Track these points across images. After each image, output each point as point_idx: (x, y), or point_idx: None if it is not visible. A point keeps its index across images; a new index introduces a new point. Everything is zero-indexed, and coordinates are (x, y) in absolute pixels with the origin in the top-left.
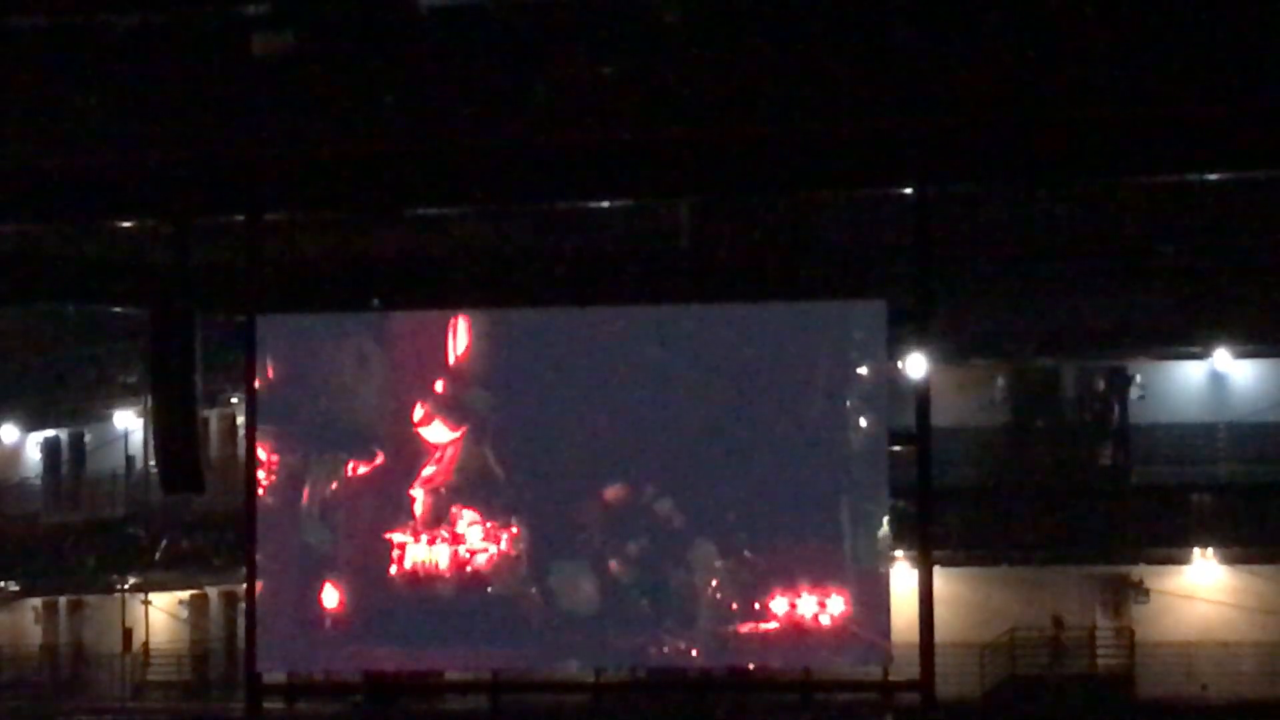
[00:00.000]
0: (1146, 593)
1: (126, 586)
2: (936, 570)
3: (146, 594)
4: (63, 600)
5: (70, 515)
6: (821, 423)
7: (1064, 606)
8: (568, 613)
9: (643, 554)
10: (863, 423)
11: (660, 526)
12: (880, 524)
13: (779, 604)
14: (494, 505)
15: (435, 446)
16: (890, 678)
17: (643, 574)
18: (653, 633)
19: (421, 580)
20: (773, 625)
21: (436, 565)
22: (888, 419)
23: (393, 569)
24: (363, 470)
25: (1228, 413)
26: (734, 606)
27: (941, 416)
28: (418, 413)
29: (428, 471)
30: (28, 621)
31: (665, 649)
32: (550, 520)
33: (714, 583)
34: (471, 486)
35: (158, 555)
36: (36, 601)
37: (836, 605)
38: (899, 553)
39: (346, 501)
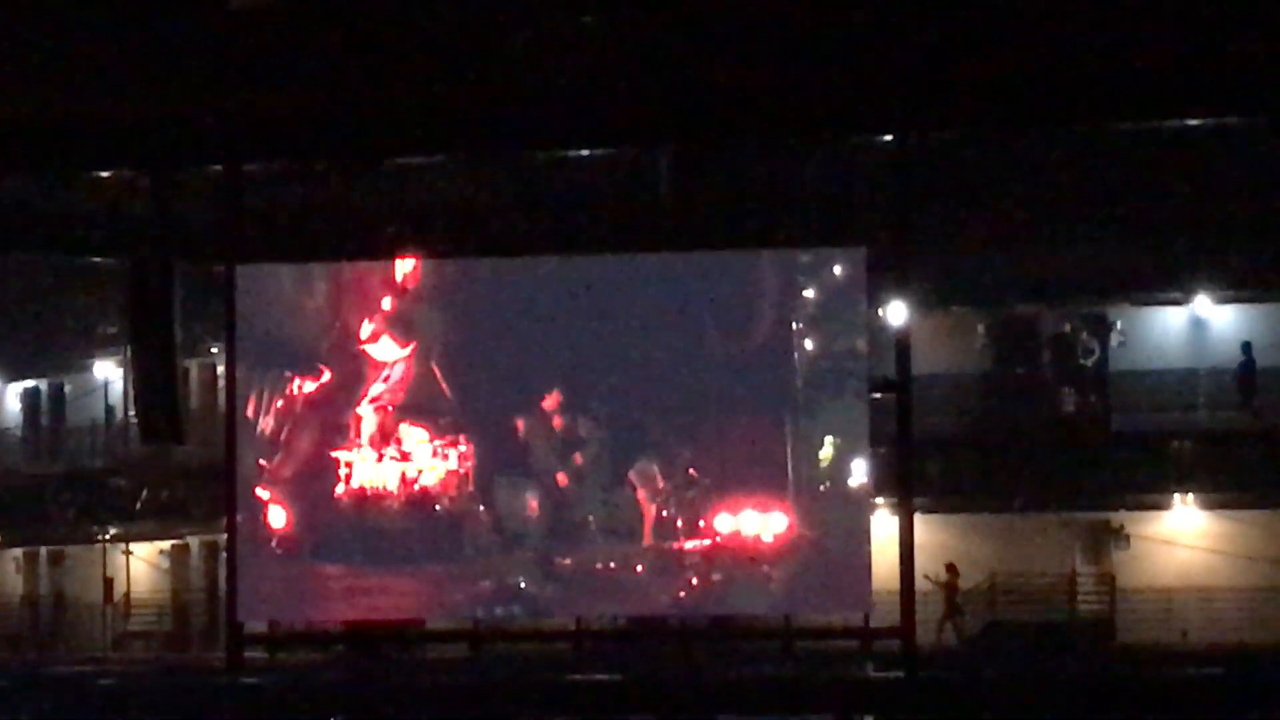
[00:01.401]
0: (1127, 539)
1: (107, 537)
2: (917, 518)
3: (127, 544)
4: (44, 551)
5: (51, 466)
6: (798, 369)
7: (1044, 553)
8: (515, 530)
9: (589, 471)
10: (842, 370)
11: (606, 444)
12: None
13: (723, 521)
14: (442, 423)
15: (382, 364)
16: (871, 625)
17: (588, 491)
18: (598, 547)
19: (369, 499)
20: (716, 541)
21: (385, 484)
22: (868, 367)
23: (340, 487)
24: (310, 389)
25: (1208, 359)
26: (679, 523)
27: (922, 364)
28: (365, 329)
29: (375, 389)
30: (9, 572)
31: (611, 564)
32: (498, 438)
33: (659, 500)
34: (419, 404)
35: (139, 505)
36: (17, 552)
37: (779, 523)
38: (879, 500)
39: (302, 425)
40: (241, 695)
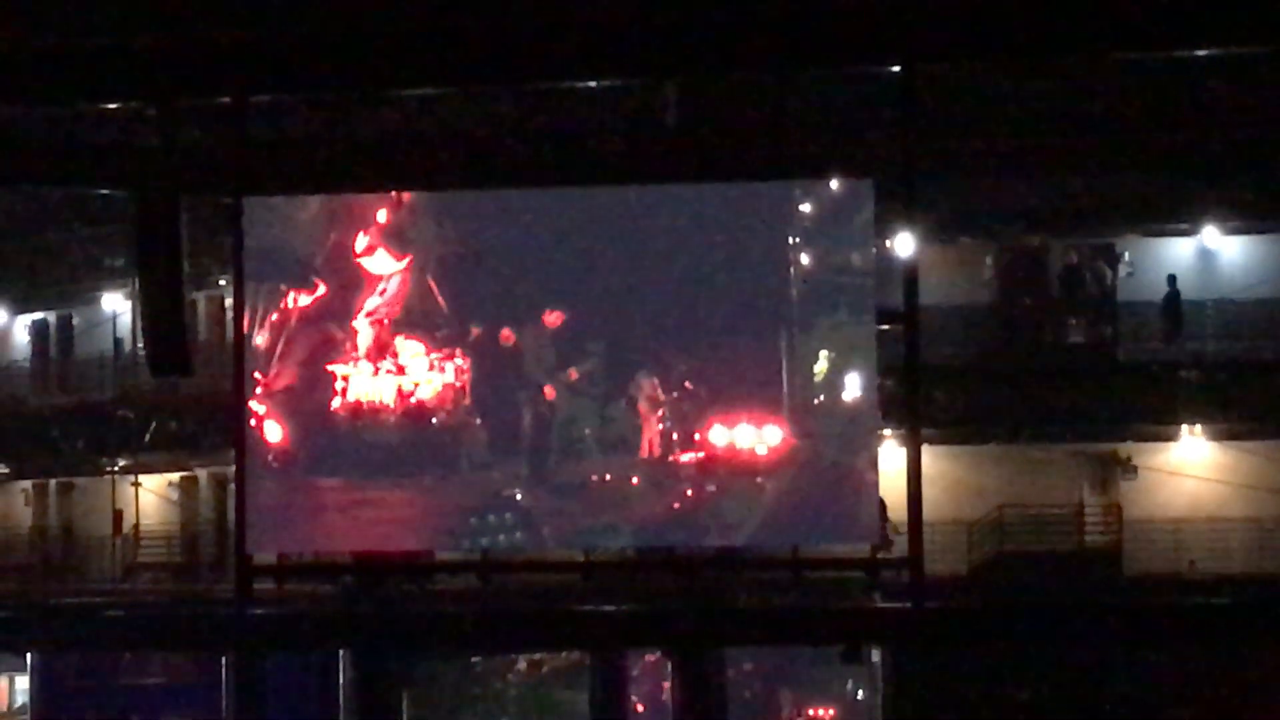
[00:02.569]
0: (1134, 469)
1: (116, 469)
2: (924, 448)
3: (136, 476)
4: (53, 483)
5: (59, 398)
6: (808, 303)
7: (1052, 484)
8: (510, 443)
9: (585, 384)
10: (841, 287)
11: (602, 358)
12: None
13: (718, 434)
14: (438, 337)
15: (378, 277)
16: (879, 555)
17: (584, 404)
18: (594, 460)
19: (365, 412)
20: (711, 454)
21: (381, 397)
22: (875, 297)
23: (336, 401)
24: (305, 303)
25: (1216, 290)
26: (674, 436)
27: (929, 295)
28: (360, 242)
29: (371, 303)
30: (18, 504)
31: (607, 476)
32: (494, 352)
33: (655, 413)
34: (415, 318)
35: (147, 438)
36: (26, 484)
37: (773, 435)
38: (887, 430)
39: (298, 339)
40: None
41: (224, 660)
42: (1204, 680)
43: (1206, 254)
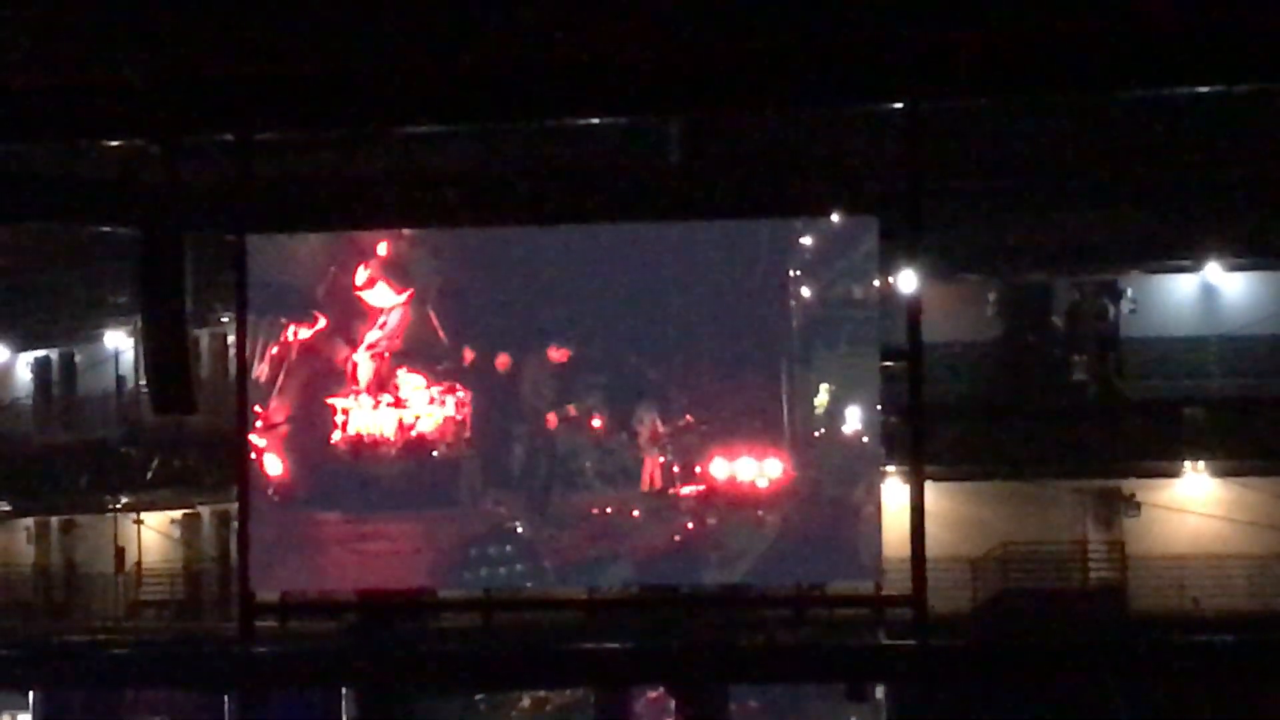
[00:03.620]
0: (1138, 506)
1: (119, 506)
2: (928, 485)
3: (139, 513)
4: (55, 520)
5: (62, 435)
6: (811, 338)
7: (1055, 520)
8: (511, 476)
9: (585, 418)
10: (854, 339)
11: (603, 391)
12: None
13: (719, 467)
14: (439, 370)
15: (378, 311)
16: (883, 592)
17: (585, 437)
18: (595, 493)
19: (366, 446)
20: (711, 487)
21: (382, 431)
22: (879, 335)
23: (336, 435)
24: (305, 335)
25: (1219, 326)
26: (675, 469)
27: (933, 332)
28: (361, 276)
29: (371, 336)
30: (20, 542)
31: (608, 509)
32: (495, 385)
33: (657, 445)
34: (416, 351)
35: (150, 475)
36: (29, 521)
37: (774, 469)
38: (890, 468)
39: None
40: (253, 664)
41: (227, 698)
42: (1208, 718)
43: (1210, 290)
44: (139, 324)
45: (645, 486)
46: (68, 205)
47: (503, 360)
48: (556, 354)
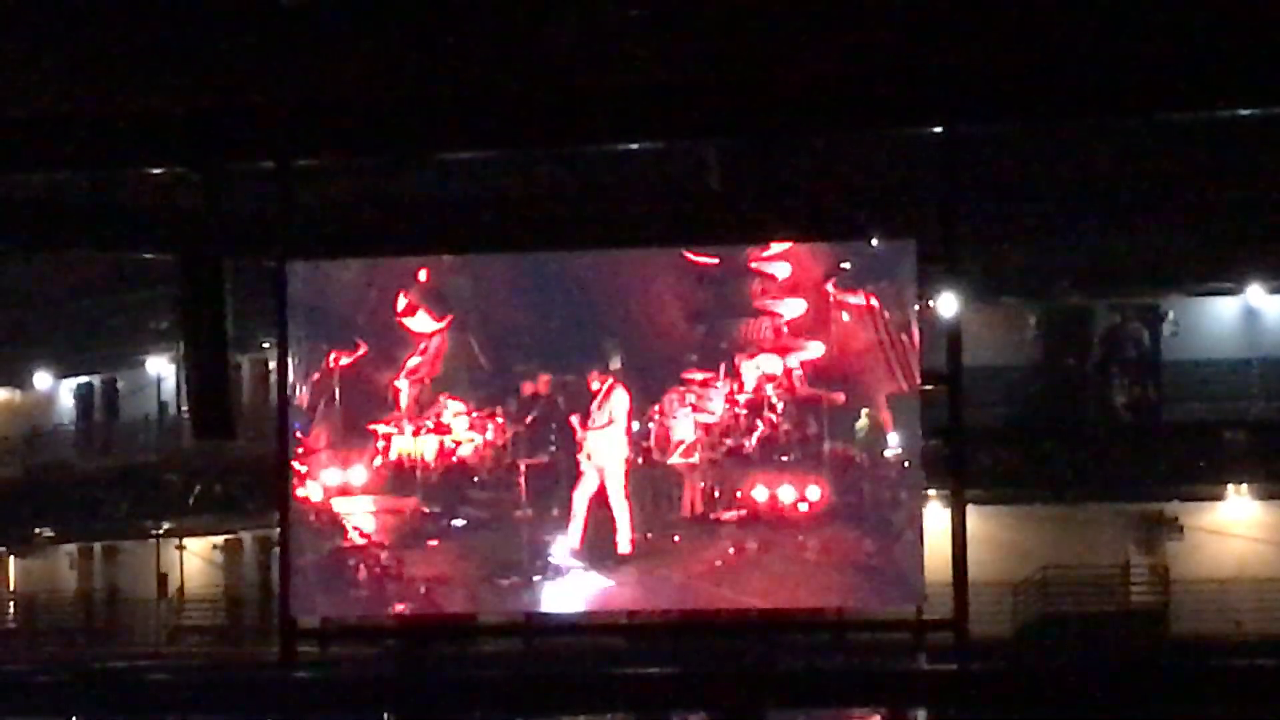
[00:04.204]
0: (1180, 529)
1: (160, 532)
2: (969, 509)
3: (180, 539)
4: (97, 546)
5: (104, 461)
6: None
7: (1097, 543)
8: (551, 502)
9: (626, 442)
10: (894, 363)
11: (644, 416)
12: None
13: (760, 491)
14: (479, 396)
15: (419, 336)
16: (923, 617)
17: (626, 462)
18: (636, 518)
19: (407, 471)
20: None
21: (422, 456)
22: (919, 359)
23: (378, 460)
24: (346, 362)
25: (1261, 349)
26: (716, 493)
27: (973, 355)
28: (401, 302)
29: (412, 362)
30: (63, 568)
31: (649, 534)
32: (535, 410)
33: (698, 469)
34: (457, 377)
35: (191, 500)
36: (71, 547)
37: (814, 493)
38: (931, 491)
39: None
40: (294, 689)
41: None
42: None
43: (1251, 313)
44: (180, 350)
45: (686, 511)
46: (108, 232)
47: (543, 384)
48: (597, 380)
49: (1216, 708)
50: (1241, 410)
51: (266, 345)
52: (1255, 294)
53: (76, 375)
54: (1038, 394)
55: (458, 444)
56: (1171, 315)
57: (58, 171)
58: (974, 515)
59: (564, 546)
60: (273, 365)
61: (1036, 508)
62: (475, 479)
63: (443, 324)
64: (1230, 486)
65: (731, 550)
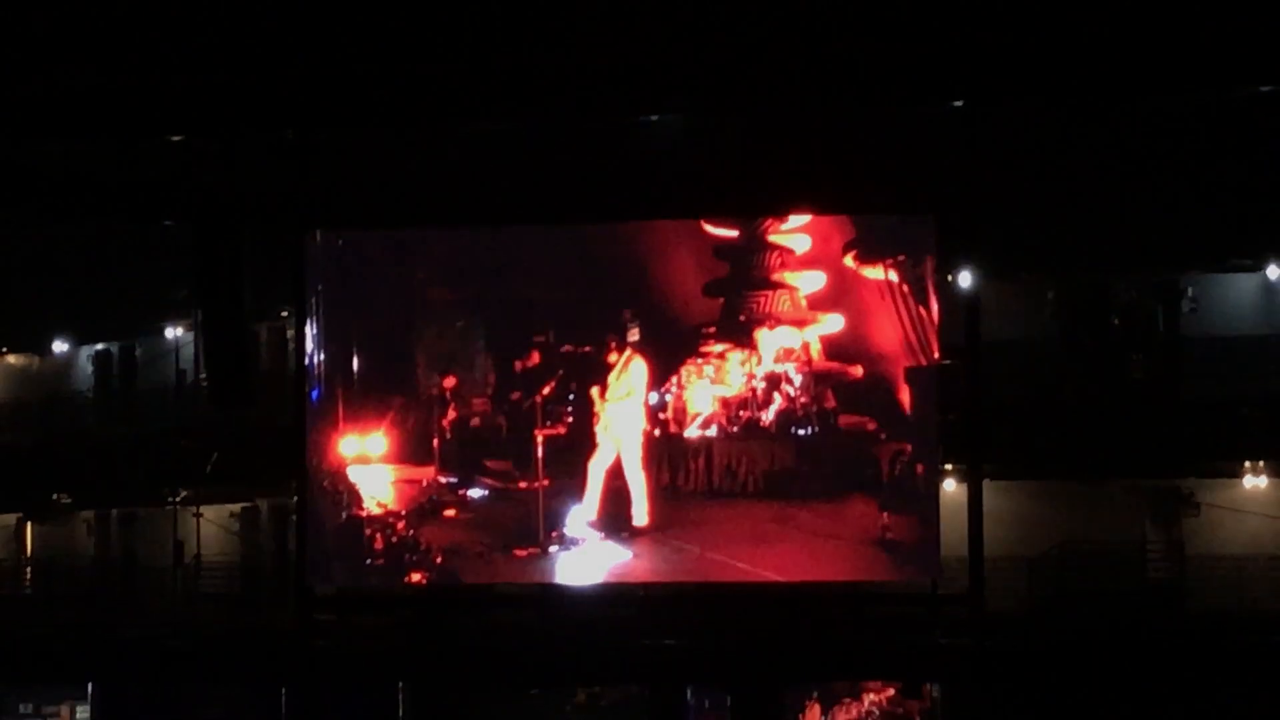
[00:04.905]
0: (1197, 506)
1: (178, 499)
2: (985, 484)
3: (198, 507)
4: (114, 513)
5: (122, 429)
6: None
7: (1113, 520)
8: (571, 475)
9: (644, 414)
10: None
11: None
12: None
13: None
14: (498, 368)
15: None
16: (939, 591)
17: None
18: (654, 491)
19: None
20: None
21: (440, 427)
22: (938, 333)
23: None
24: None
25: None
26: (732, 466)
27: (990, 330)
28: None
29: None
30: (80, 534)
31: (668, 508)
32: (556, 383)
33: (713, 441)
34: (476, 349)
35: (209, 468)
36: (89, 514)
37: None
38: (948, 466)
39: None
40: (310, 658)
41: (283, 691)
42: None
43: (1270, 289)
44: (198, 318)
45: (702, 483)
46: (126, 202)
47: (563, 360)
48: (618, 354)
49: (1234, 683)
50: (1259, 387)
51: (285, 314)
52: (1274, 270)
53: (94, 342)
54: (1055, 369)
55: (475, 414)
56: (1190, 291)
57: (74, 141)
58: (990, 490)
59: (580, 518)
60: (291, 334)
61: (1053, 483)
62: (492, 449)
63: (464, 295)
64: (1247, 463)
65: (747, 523)
